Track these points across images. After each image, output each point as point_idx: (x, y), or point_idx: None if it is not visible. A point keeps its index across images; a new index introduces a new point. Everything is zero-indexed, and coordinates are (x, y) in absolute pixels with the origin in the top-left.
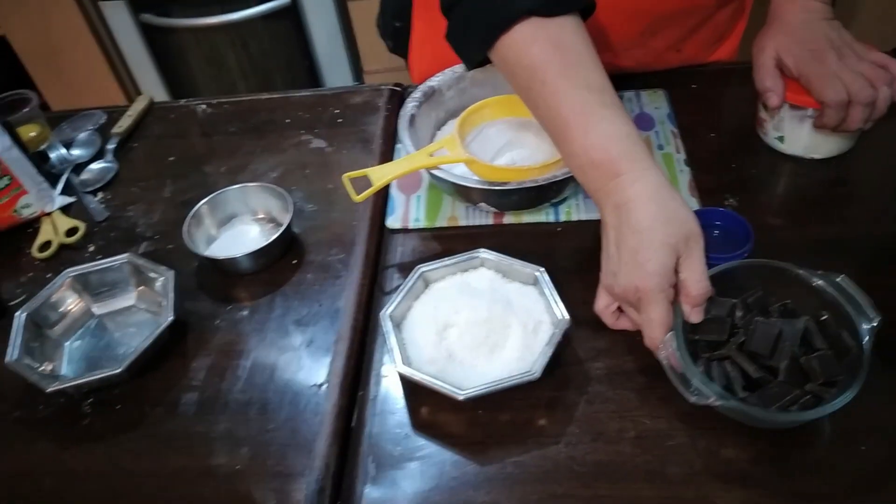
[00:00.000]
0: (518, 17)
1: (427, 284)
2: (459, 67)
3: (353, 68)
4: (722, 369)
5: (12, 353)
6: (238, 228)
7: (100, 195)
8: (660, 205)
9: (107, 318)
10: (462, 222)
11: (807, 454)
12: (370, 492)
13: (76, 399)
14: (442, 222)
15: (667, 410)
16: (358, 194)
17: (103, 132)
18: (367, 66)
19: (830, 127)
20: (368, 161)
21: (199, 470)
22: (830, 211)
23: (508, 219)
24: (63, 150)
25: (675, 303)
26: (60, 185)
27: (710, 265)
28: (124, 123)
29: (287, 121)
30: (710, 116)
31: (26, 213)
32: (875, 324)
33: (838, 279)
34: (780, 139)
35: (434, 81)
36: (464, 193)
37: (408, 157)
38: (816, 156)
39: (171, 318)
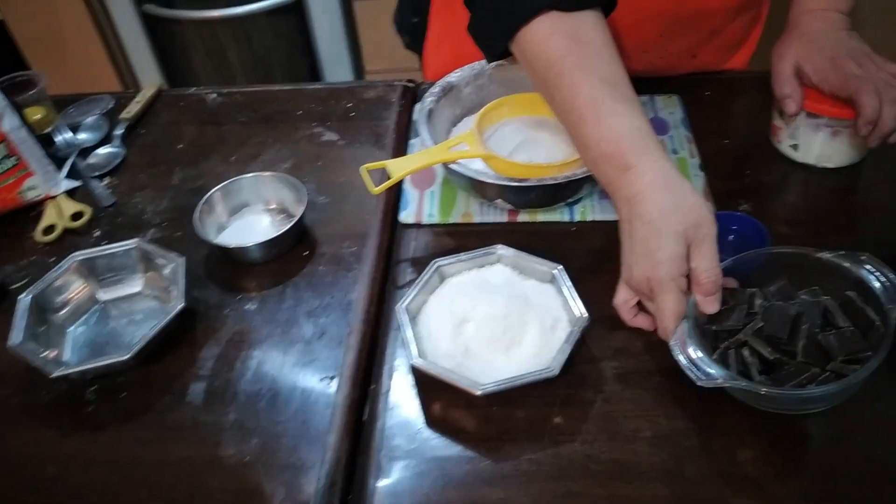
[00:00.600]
0: (539, 9)
1: (443, 279)
2: (478, 64)
3: (355, 67)
4: (738, 355)
5: (16, 336)
6: (248, 218)
7: (106, 180)
8: (669, 194)
9: (112, 305)
10: (476, 219)
11: (825, 457)
12: (382, 486)
13: (79, 386)
14: (456, 218)
15: (683, 411)
16: (375, 187)
17: (111, 117)
18: (368, 66)
19: (872, 121)
20: (381, 155)
21: (206, 460)
22: (843, 220)
23: (523, 217)
24: (69, 134)
25: (688, 293)
26: (66, 169)
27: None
28: (133, 109)
29: (299, 113)
30: (724, 123)
31: (31, 196)
32: None
33: (863, 257)
34: (795, 147)
35: (452, 77)
36: (480, 189)
37: (427, 151)
38: (829, 165)
39: (181, 305)
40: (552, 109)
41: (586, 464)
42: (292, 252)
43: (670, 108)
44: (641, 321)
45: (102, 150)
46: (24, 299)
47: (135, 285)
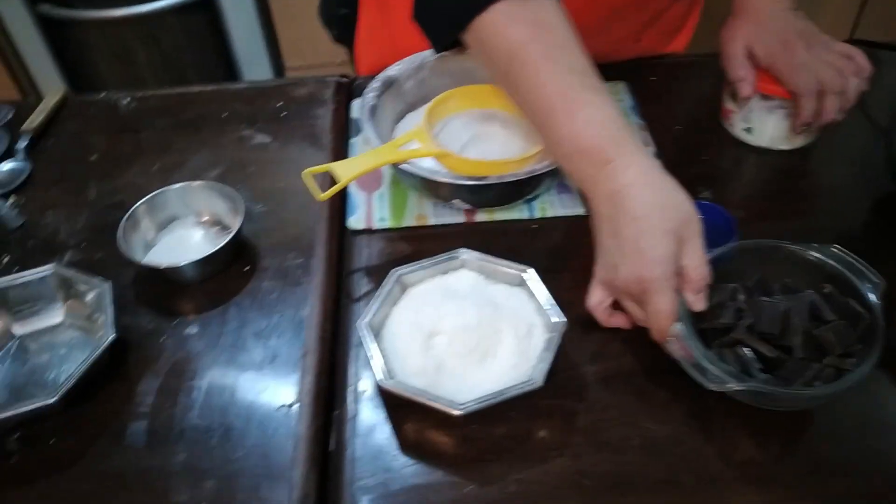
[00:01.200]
0: None
1: (404, 289)
2: (419, 56)
3: (274, 64)
4: (735, 354)
5: None
6: (178, 233)
7: (11, 199)
8: (655, 190)
9: (30, 339)
10: (432, 221)
11: (822, 451)
12: None
13: (0, 434)
14: (410, 221)
15: (671, 414)
16: (320, 192)
17: (11, 129)
18: (288, 63)
19: (809, 119)
20: (319, 156)
21: None
22: (801, 203)
23: (481, 216)
24: None
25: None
26: None
27: None
28: (36, 119)
29: (224, 115)
30: (672, 109)
31: None
32: (881, 285)
33: (833, 248)
34: (748, 130)
35: (393, 71)
36: (434, 189)
37: (375, 152)
38: (783, 147)
39: (112, 337)
40: (514, 103)
41: (578, 480)
42: (231, 268)
43: (617, 95)
44: (618, 320)
45: (4, 166)
46: None
47: (54, 316)
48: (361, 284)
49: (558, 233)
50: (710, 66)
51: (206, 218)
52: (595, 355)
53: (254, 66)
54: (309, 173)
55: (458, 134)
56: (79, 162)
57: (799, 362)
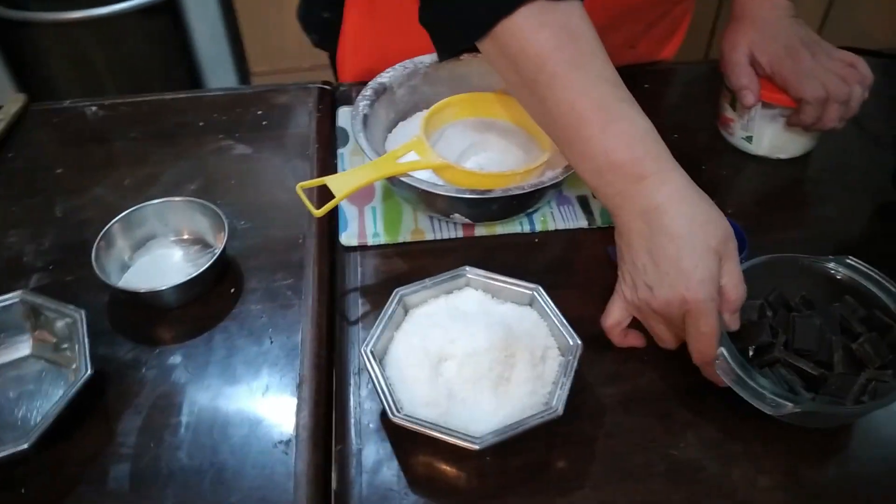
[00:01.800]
0: None
1: (406, 310)
2: (410, 63)
3: (239, 70)
4: (777, 374)
5: None
6: (156, 253)
7: None
8: (693, 207)
9: None
10: (429, 236)
11: (850, 470)
12: None
13: None
14: (405, 236)
15: (692, 437)
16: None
17: None
18: (254, 68)
19: (807, 124)
20: (305, 168)
21: None
22: (806, 210)
23: (480, 230)
24: None
25: None
26: None
27: None
28: None
29: (201, 124)
30: (669, 117)
31: None
32: None
33: (849, 260)
34: (748, 139)
35: (384, 78)
36: (431, 203)
37: (373, 164)
38: (783, 156)
39: (88, 374)
40: (537, 113)
41: None
42: (215, 291)
43: None
44: (634, 339)
45: None
46: None
47: (21, 348)
48: (358, 305)
49: (559, 247)
50: (702, 73)
51: (185, 236)
52: (611, 377)
53: (218, 70)
54: (302, 187)
55: (454, 143)
56: (44, 176)
57: (840, 378)
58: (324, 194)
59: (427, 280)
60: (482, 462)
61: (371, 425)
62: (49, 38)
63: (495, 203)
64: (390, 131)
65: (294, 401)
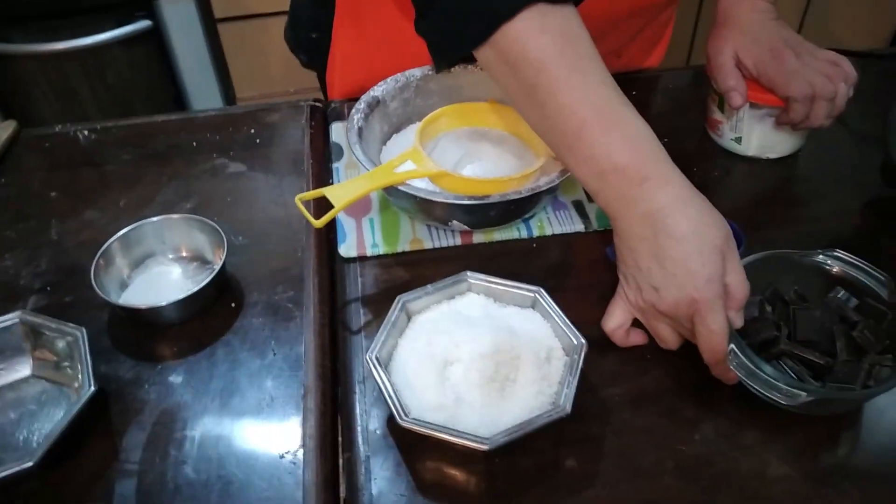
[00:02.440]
0: (524, 3)
1: (409, 317)
2: (402, 76)
3: (225, 95)
4: (783, 366)
5: None
6: (154, 270)
7: None
8: (696, 208)
9: None
10: (428, 245)
11: (852, 459)
12: None
13: None
14: (404, 246)
15: (699, 433)
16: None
17: None
18: (240, 93)
19: (796, 122)
20: (300, 183)
21: None
22: (796, 208)
23: (478, 237)
24: None
25: None
26: None
27: None
28: None
29: (193, 144)
30: (658, 122)
31: None
32: (889, 282)
33: (836, 253)
34: (738, 140)
35: (377, 91)
36: (429, 211)
37: (370, 175)
38: (772, 155)
39: (92, 390)
40: (535, 118)
41: None
42: (216, 306)
43: None
44: (636, 338)
45: None
46: None
47: (21, 369)
48: (359, 315)
49: (557, 251)
50: (688, 79)
51: (184, 253)
52: (615, 376)
53: (204, 98)
54: (300, 199)
55: (449, 153)
56: (38, 200)
57: (846, 365)
58: (321, 209)
59: (429, 286)
60: (491, 465)
61: (378, 432)
62: (34, 69)
63: (493, 209)
64: (385, 144)
65: (300, 411)
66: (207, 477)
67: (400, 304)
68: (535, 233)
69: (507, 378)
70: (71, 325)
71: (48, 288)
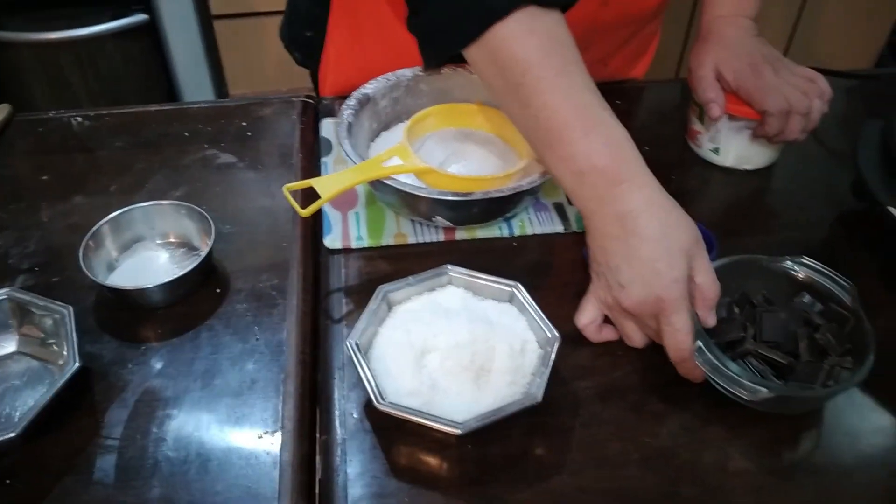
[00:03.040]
0: (517, 4)
1: (390, 307)
2: (393, 75)
3: (218, 91)
4: (748, 365)
5: None
6: (142, 255)
7: None
8: (666, 212)
9: None
10: (411, 239)
11: (812, 456)
12: None
13: None
14: (388, 240)
15: (665, 427)
16: (300, 208)
17: None
18: (232, 91)
19: (771, 135)
20: (289, 176)
21: None
22: (769, 218)
23: (461, 234)
24: None
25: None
26: None
27: None
28: None
29: (186, 134)
30: (640, 132)
31: None
32: (852, 289)
33: (803, 260)
34: (716, 151)
35: (368, 89)
36: (414, 206)
37: (358, 168)
38: (748, 167)
39: (76, 366)
40: (519, 118)
41: (580, 497)
42: (201, 291)
43: None
44: (608, 333)
45: None
46: None
47: (7, 345)
48: (341, 304)
49: (536, 251)
50: (670, 91)
51: (172, 239)
52: (586, 370)
53: (196, 93)
54: (288, 189)
55: (435, 152)
56: (29, 182)
57: (807, 366)
58: (308, 200)
59: (410, 277)
60: (463, 450)
61: (355, 416)
62: (27, 58)
63: (476, 206)
64: (373, 140)
65: (279, 394)
66: (187, 454)
67: (381, 294)
68: (517, 232)
69: (482, 368)
70: (58, 303)
71: (36, 268)
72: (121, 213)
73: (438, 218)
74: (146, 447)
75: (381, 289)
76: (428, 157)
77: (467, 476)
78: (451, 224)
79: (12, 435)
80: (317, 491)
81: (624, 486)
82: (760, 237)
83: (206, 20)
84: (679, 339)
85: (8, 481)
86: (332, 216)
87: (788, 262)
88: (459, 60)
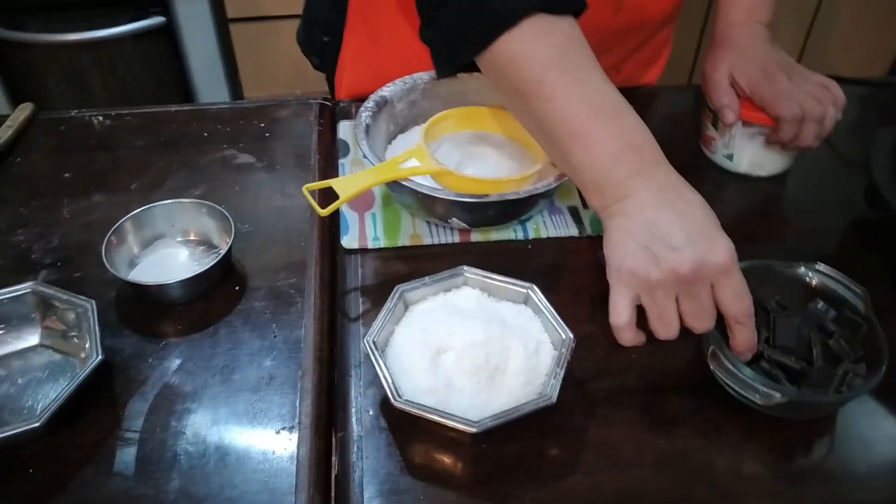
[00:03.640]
0: (527, 11)
1: (406, 307)
2: (410, 78)
3: (233, 94)
4: (761, 369)
5: None
6: (162, 252)
7: None
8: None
9: (2, 363)
10: (426, 241)
11: (825, 461)
12: None
13: None
14: (404, 241)
15: (679, 430)
16: (319, 207)
17: None
18: (248, 93)
19: (785, 141)
20: (306, 177)
21: None
22: (783, 226)
23: (476, 237)
24: None
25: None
26: None
27: None
28: (3, 135)
29: (205, 134)
30: (654, 136)
31: None
32: (865, 297)
33: (818, 266)
34: (729, 157)
35: (385, 91)
36: (430, 208)
37: (376, 169)
38: (762, 173)
39: (99, 358)
40: (538, 116)
41: (593, 497)
42: (220, 288)
43: None
44: (641, 336)
45: None
46: None
47: (30, 338)
48: (358, 303)
49: (550, 253)
50: (683, 97)
51: (192, 237)
52: (599, 372)
53: (212, 95)
54: (308, 189)
55: (451, 154)
56: (51, 180)
57: (820, 371)
58: (326, 201)
59: (427, 278)
60: (478, 449)
61: (371, 413)
62: (47, 59)
63: (491, 208)
64: (390, 143)
65: (297, 391)
66: (205, 448)
67: (398, 294)
68: (531, 235)
69: (497, 368)
70: (82, 297)
71: (59, 263)
72: (143, 210)
73: (454, 219)
74: (165, 440)
75: (398, 288)
76: (444, 159)
77: (481, 474)
78: (466, 226)
79: (36, 425)
80: (333, 487)
81: (637, 488)
82: (774, 243)
83: (222, 23)
84: (744, 299)
85: (30, 470)
86: (350, 217)
87: (802, 269)
88: (472, 69)
